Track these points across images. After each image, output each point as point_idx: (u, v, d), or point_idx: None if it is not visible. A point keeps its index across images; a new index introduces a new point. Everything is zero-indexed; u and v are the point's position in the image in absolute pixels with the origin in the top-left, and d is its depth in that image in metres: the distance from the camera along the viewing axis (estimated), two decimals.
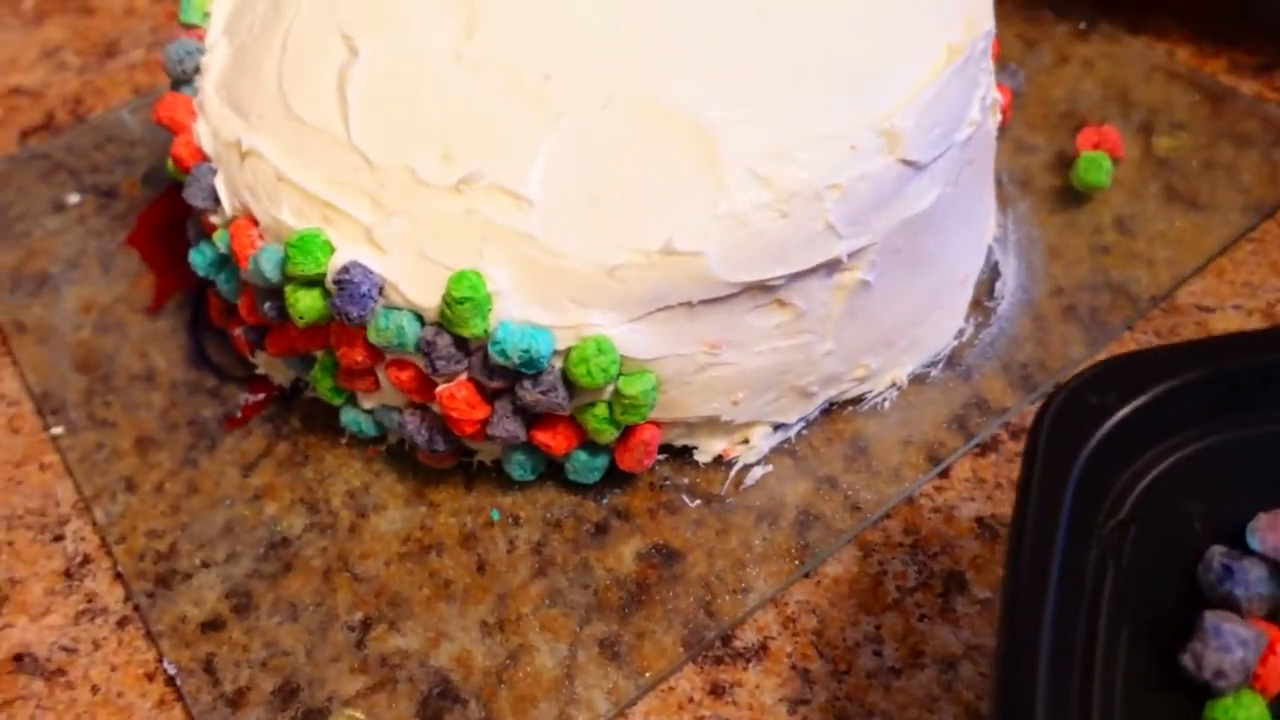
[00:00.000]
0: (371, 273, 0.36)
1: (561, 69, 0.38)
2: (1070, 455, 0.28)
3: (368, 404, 0.41)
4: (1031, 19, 0.56)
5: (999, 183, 0.49)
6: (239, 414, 0.44)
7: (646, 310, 0.36)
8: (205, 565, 0.40)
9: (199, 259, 0.43)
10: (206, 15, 0.46)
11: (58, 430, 0.45)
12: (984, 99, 0.41)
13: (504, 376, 0.36)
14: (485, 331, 0.35)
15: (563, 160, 0.36)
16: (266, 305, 0.39)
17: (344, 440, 0.43)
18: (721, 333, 0.37)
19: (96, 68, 0.62)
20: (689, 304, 0.36)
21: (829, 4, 0.39)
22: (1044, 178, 0.49)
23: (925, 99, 0.37)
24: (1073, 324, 0.44)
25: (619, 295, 0.35)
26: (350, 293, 0.36)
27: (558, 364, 0.36)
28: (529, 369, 0.35)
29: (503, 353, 0.35)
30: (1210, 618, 0.27)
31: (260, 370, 0.45)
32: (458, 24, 0.39)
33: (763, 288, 0.36)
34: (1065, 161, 0.49)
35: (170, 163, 0.43)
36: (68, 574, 0.41)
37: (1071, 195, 0.48)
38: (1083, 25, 0.56)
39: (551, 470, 0.41)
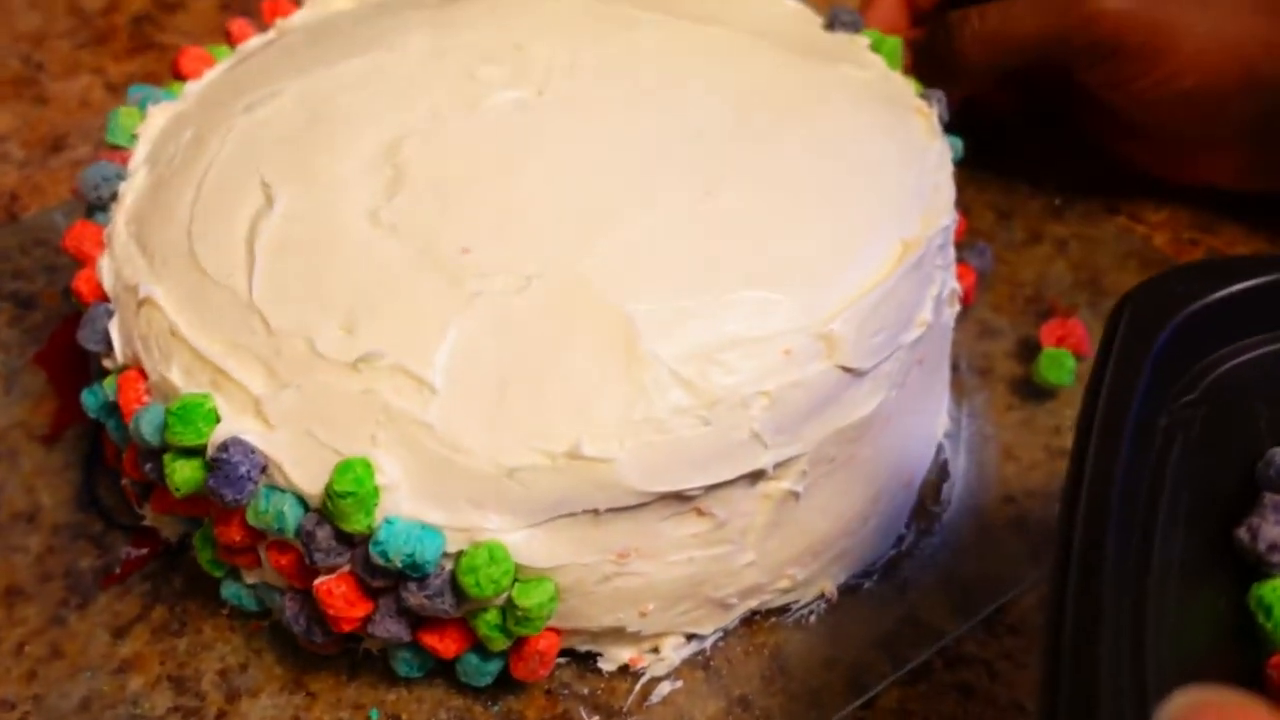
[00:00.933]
0: (253, 453, 0.33)
1: (482, 243, 0.35)
2: (1152, 330, 0.29)
3: (250, 579, 0.38)
4: (1006, 189, 0.54)
5: (956, 369, 0.46)
6: (118, 569, 0.41)
7: (549, 516, 0.33)
8: None
9: (90, 400, 0.40)
10: (134, 138, 0.44)
11: None
12: (939, 295, 0.39)
13: (387, 575, 0.33)
14: (369, 527, 0.32)
15: (472, 344, 0.33)
16: (148, 466, 0.36)
17: (225, 611, 0.40)
18: (630, 541, 0.34)
19: (39, 162, 0.60)
20: (595, 511, 0.33)
21: (777, 194, 0.37)
22: (1005, 365, 0.46)
23: (870, 301, 0.35)
24: (1021, 538, 0.41)
25: (519, 498, 0.32)
26: (226, 474, 0.33)
27: (448, 565, 0.33)
28: (413, 573, 0.32)
29: (384, 554, 0.32)
30: (1270, 497, 0.28)
31: (147, 522, 0.42)
32: (380, 183, 0.37)
33: (679, 497, 0.33)
34: (1030, 348, 0.47)
35: (71, 294, 0.40)
36: None
37: (1033, 388, 0.45)
38: (1058, 201, 0.54)
39: (441, 666, 0.37)
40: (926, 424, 0.42)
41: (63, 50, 0.67)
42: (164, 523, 0.41)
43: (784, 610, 0.39)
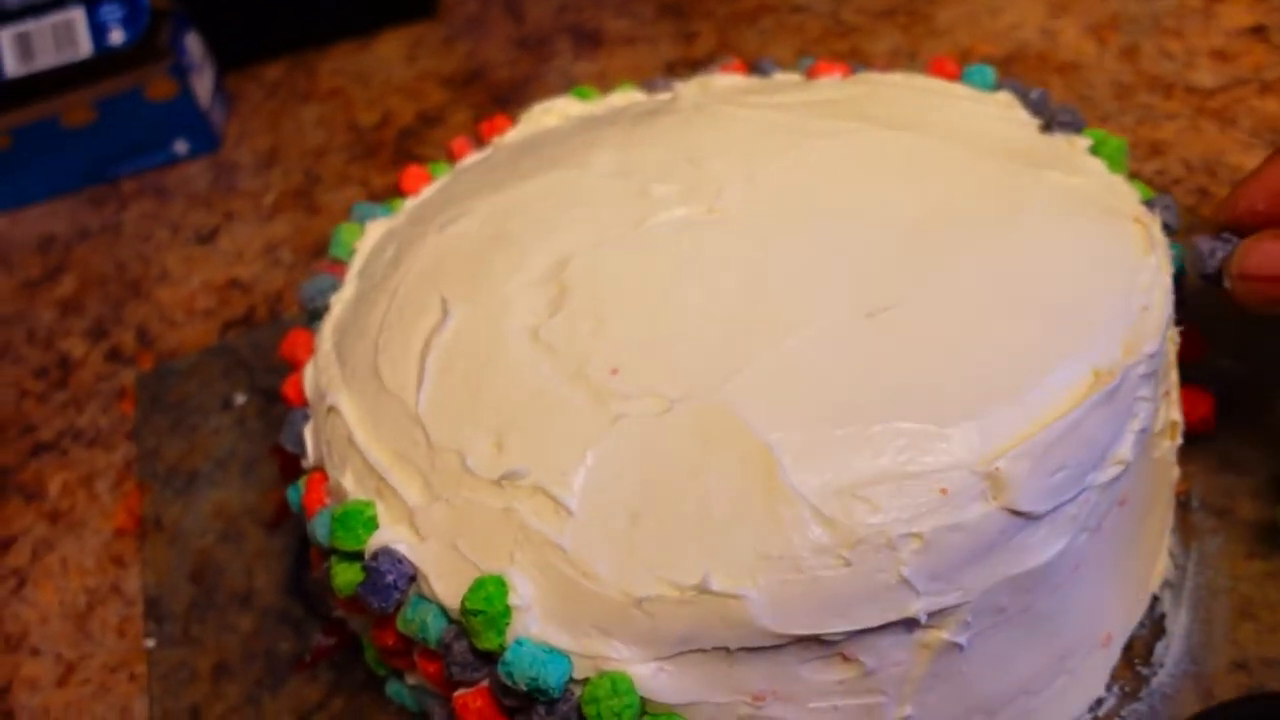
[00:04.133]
0: (401, 562, 0.34)
1: (630, 364, 0.35)
2: None
3: (411, 680, 0.39)
4: None
5: (1186, 508, 0.40)
6: (308, 657, 0.44)
7: (676, 650, 0.31)
8: None
9: (293, 495, 0.43)
10: (353, 252, 0.47)
11: (150, 643, 0.46)
12: (1144, 430, 0.34)
13: (518, 696, 0.33)
14: (501, 645, 0.32)
15: (610, 467, 0.33)
16: (325, 564, 0.39)
17: (393, 708, 0.41)
18: (767, 684, 0.32)
19: (303, 266, 0.66)
20: (727, 649, 0.31)
21: (948, 317, 0.34)
22: (1249, 507, 0.40)
23: (1048, 437, 0.31)
24: None
25: (646, 630, 0.31)
26: (375, 582, 0.34)
27: (577, 692, 0.32)
28: (539, 696, 0.32)
29: (510, 675, 0.32)
30: None
31: (338, 613, 0.44)
32: (544, 301, 0.38)
33: (819, 641, 0.31)
34: None
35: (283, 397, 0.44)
36: None
37: None
38: None
39: None
40: (1133, 572, 0.36)
41: (337, 164, 0.74)
42: (352, 615, 0.43)
43: None
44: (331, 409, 0.39)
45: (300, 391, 0.42)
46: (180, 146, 0.78)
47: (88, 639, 0.48)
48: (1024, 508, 0.31)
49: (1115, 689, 0.36)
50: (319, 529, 0.37)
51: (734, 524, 0.31)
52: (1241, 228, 0.37)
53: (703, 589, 0.31)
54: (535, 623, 0.32)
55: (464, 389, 0.37)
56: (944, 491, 0.31)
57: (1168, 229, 0.38)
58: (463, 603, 0.32)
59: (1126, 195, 0.40)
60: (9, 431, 0.60)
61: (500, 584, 0.32)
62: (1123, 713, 0.35)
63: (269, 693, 0.43)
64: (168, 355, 0.62)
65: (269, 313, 0.63)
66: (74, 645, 0.48)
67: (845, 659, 0.32)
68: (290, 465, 0.53)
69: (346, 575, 0.36)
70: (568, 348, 0.36)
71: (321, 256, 0.67)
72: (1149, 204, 0.39)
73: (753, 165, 0.41)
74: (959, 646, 0.32)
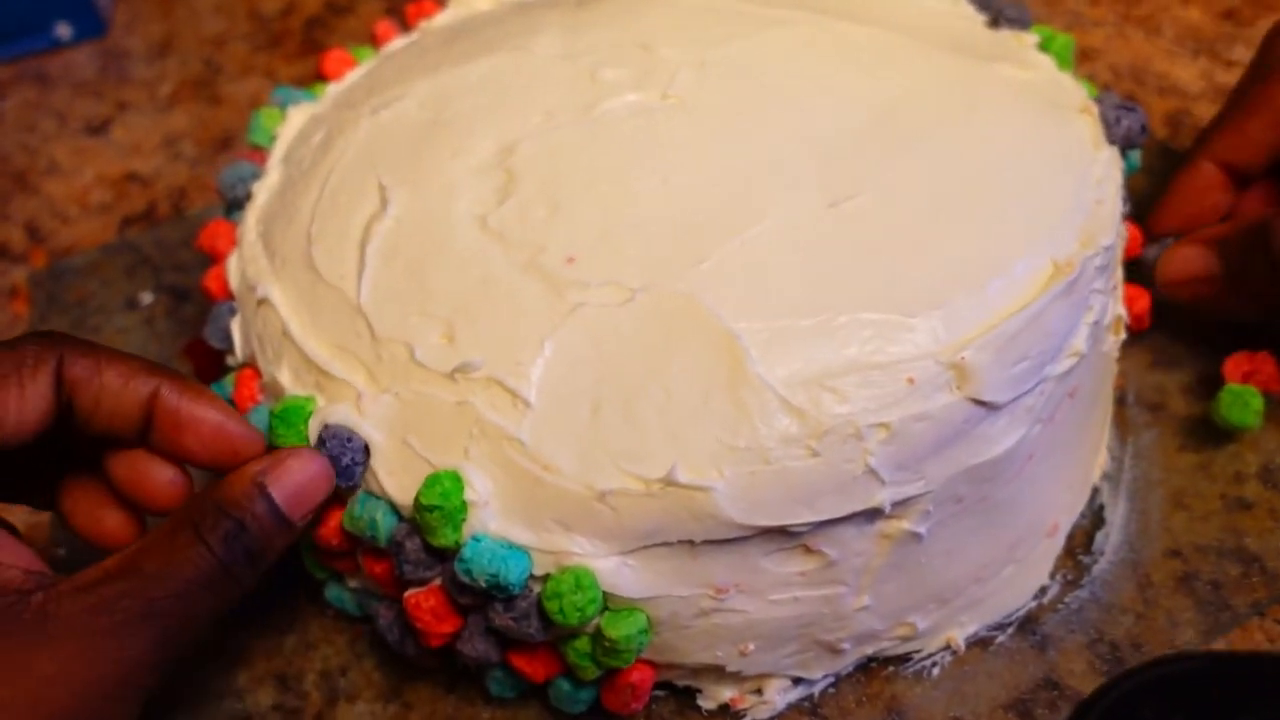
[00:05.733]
0: (352, 439, 0.32)
1: (588, 253, 0.33)
2: None
3: (352, 583, 0.37)
4: None
5: (1122, 403, 0.41)
6: None
7: (641, 544, 0.31)
8: None
9: (219, 392, 0.41)
10: (273, 139, 0.44)
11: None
12: (1097, 323, 0.34)
13: (474, 594, 0.32)
14: (457, 543, 0.31)
15: (570, 359, 0.32)
16: None
17: (330, 612, 0.39)
18: (730, 576, 0.31)
19: (208, 160, 0.62)
20: (691, 542, 0.31)
21: (910, 207, 0.34)
22: (1180, 403, 0.41)
23: (1011, 328, 0.31)
24: (1186, 598, 0.36)
25: (609, 523, 0.31)
26: (333, 465, 0.32)
27: (536, 588, 0.31)
28: (498, 593, 0.31)
29: (468, 572, 0.31)
30: None
31: None
32: (491, 187, 0.36)
33: (783, 532, 0.31)
34: (1210, 384, 0.41)
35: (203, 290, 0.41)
36: None
37: (1212, 430, 0.40)
38: None
39: (536, 688, 0.36)
40: (1079, 464, 0.37)
41: (240, 53, 0.70)
42: None
43: (904, 660, 0.35)
44: (263, 301, 0.37)
45: (224, 284, 0.40)
46: (63, 30, 0.72)
47: None
48: (987, 398, 0.31)
49: (1059, 577, 0.37)
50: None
51: (700, 415, 0.30)
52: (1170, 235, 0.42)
53: (669, 481, 0.30)
54: (493, 518, 0.31)
55: (409, 278, 0.35)
56: (910, 381, 0.31)
57: (1138, 133, 0.38)
58: (417, 498, 0.31)
59: (1074, 91, 0.39)
60: None
61: (456, 479, 0.31)
62: (1066, 600, 0.36)
63: None
64: (62, 253, 0.58)
65: (172, 208, 0.59)
66: None
67: (808, 550, 0.31)
68: (207, 364, 0.50)
69: None
70: (519, 236, 0.34)
71: (227, 149, 0.63)
72: (1099, 101, 0.39)
73: (705, 52, 0.39)
74: (918, 536, 0.32)
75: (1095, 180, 0.36)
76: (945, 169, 0.35)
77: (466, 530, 0.31)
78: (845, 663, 0.35)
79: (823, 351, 0.31)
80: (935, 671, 0.35)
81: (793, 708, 0.35)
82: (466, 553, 0.31)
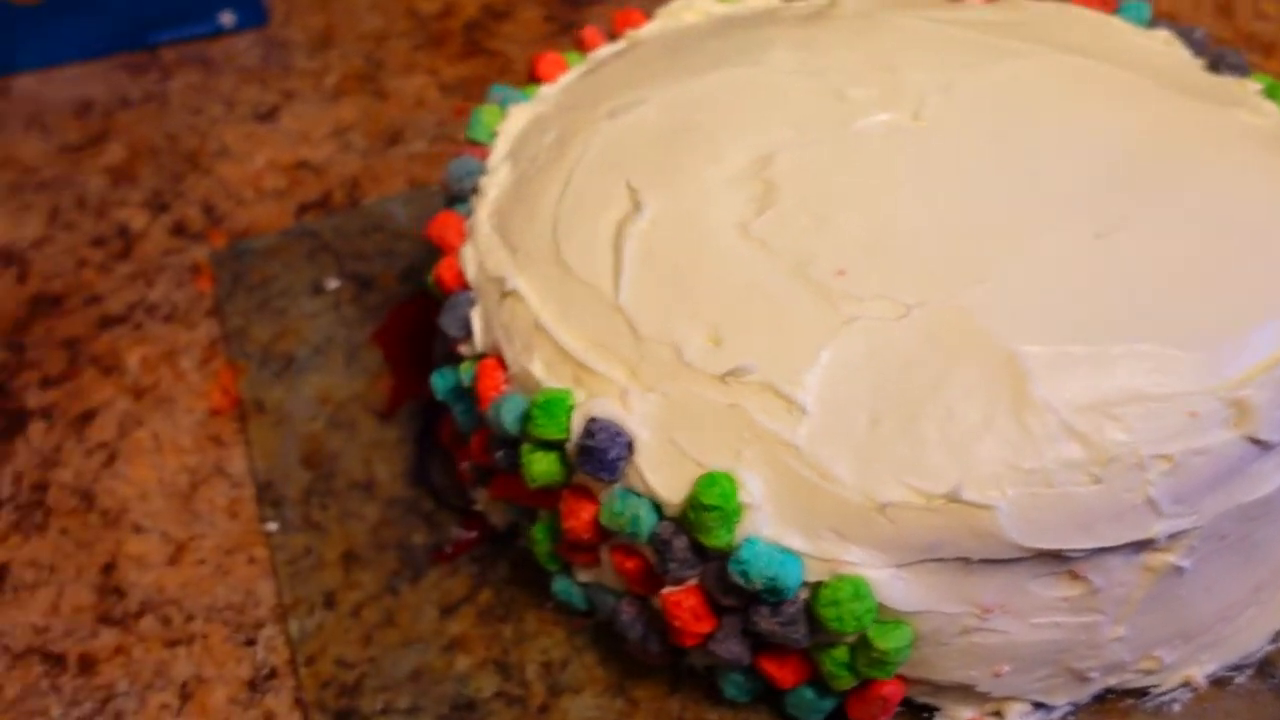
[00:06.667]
0: (621, 434, 0.33)
1: (858, 267, 0.34)
2: None
3: (583, 578, 0.38)
4: None
5: None
6: (449, 549, 0.42)
7: (916, 558, 0.31)
8: (386, 711, 0.38)
9: (440, 382, 0.42)
10: (494, 135, 0.45)
11: (272, 527, 0.44)
12: None
13: (740, 596, 0.32)
14: (729, 544, 0.32)
15: (845, 369, 0.32)
16: (500, 453, 0.37)
17: (549, 604, 0.40)
18: (997, 596, 0.32)
19: (379, 153, 0.63)
20: (966, 560, 0.31)
21: (1173, 244, 0.34)
22: None
23: None
24: None
25: (887, 536, 0.31)
26: (599, 456, 0.33)
27: (803, 594, 0.32)
28: (770, 597, 0.31)
29: (744, 574, 0.31)
30: None
31: (478, 507, 0.43)
32: (749, 197, 0.37)
33: (1055, 556, 0.31)
34: None
35: (431, 280, 0.42)
36: (252, 685, 0.40)
37: None
38: None
39: (769, 693, 0.36)
40: None
41: (401, 50, 0.71)
42: (495, 510, 0.42)
43: (1142, 694, 0.36)
44: (510, 293, 0.38)
45: (458, 275, 0.40)
46: (226, 18, 0.73)
47: (196, 519, 0.46)
48: (1264, 436, 0.31)
49: None
50: (505, 416, 0.36)
51: (983, 434, 0.31)
52: None
53: (953, 497, 0.30)
54: (766, 522, 0.32)
55: (670, 281, 0.35)
56: (1193, 415, 0.31)
57: None
58: (693, 497, 0.31)
59: None
60: (71, 300, 0.57)
61: (731, 481, 0.32)
62: None
63: (408, 583, 0.42)
64: (239, 234, 0.59)
65: (347, 198, 0.60)
66: (182, 525, 0.45)
67: (1075, 576, 0.32)
68: (396, 353, 0.51)
69: (543, 465, 0.35)
70: (784, 246, 0.35)
71: (396, 143, 0.64)
72: None
73: (950, 77, 0.40)
74: (1181, 570, 0.32)
75: None
76: (1205, 208, 0.35)
77: (739, 533, 0.32)
78: (1089, 691, 0.35)
79: (1103, 379, 0.31)
80: (1175, 708, 0.35)
81: None
82: (743, 554, 0.31)
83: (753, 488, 0.32)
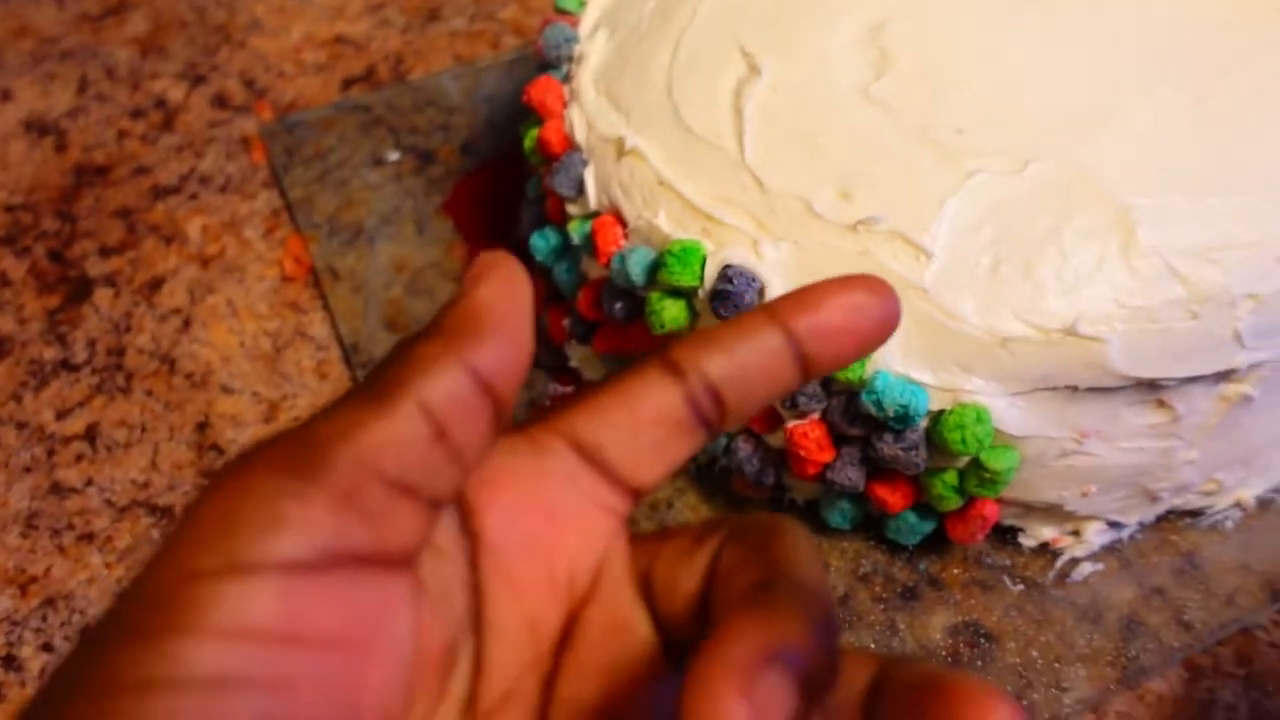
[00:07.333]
0: (755, 280, 0.35)
1: (976, 125, 0.37)
2: None
3: None
4: None
5: None
6: (546, 403, 0.45)
7: (1030, 387, 0.34)
8: None
9: (541, 243, 0.43)
10: (582, 4, 0.46)
11: None
12: None
13: (865, 425, 0.35)
14: (860, 378, 0.35)
15: (968, 219, 0.35)
16: (617, 305, 0.39)
17: None
18: (1094, 423, 0.35)
19: (419, 29, 0.63)
20: (1074, 388, 0.34)
21: (1262, 106, 0.37)
22: None
23: None
24: None
25: (1007, 367, 0.34)
26: (734, 299, 0.35)
27: (924, 423, 0.35)
28: (898, 424, 0.34)
29: (878, 403, 0.34)
30: None
31: (572, 363, 0.45)
32: (867, 62, 0.39)
33: (1151, 385, 0.35)
34: None
35: (530, 144, 0.43)
36: None
37: None
38: None
39: (866, 522, 0.40)
40: None
41: None
42: (590, 364, 0.44)
43: (1198, 514, 0.40)
44: (631, 152, 0.39)
45: (564, 138, 0.42)
46: None
47: (285, 380, 0.47)
48: None
49: None
50: (633, 267, 0.38)
51: (1095, 275, 0.34)
52: None
53: (1070, 331, 0.34)
54: (895, 357, 0.35)
55: (795, 141, 0.37)
56: (1278, 260, 0.34)
57: None
58: None
59: None
60: (118, 170, 0.56)
61: None
62: None
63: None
64: (285, 107, 0.59)
65: (391, 73, 0.61)
66: (272, 385, 0.47)
67: (1162, 404, 0.35)
68: (466, 222, 0.52)
69: (673, 311, 0.37)
70: (905, 107, 0.37)
71: (435, 20, 0.64)
72: None
73: None
74: (1249, 400, 0.36)
75: None
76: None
77: (870, 367, 0.35)
78: (1156, 510, 0.39)
79: (1203, 227, 0.34)
80: (1228, 524, 0.40)
81: (1102, 550, 0.39)
82: (878, 385, 0.34)
83: None
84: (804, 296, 0.22)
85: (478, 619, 0.21)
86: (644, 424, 0.21)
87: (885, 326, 0.22)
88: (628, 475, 0.21)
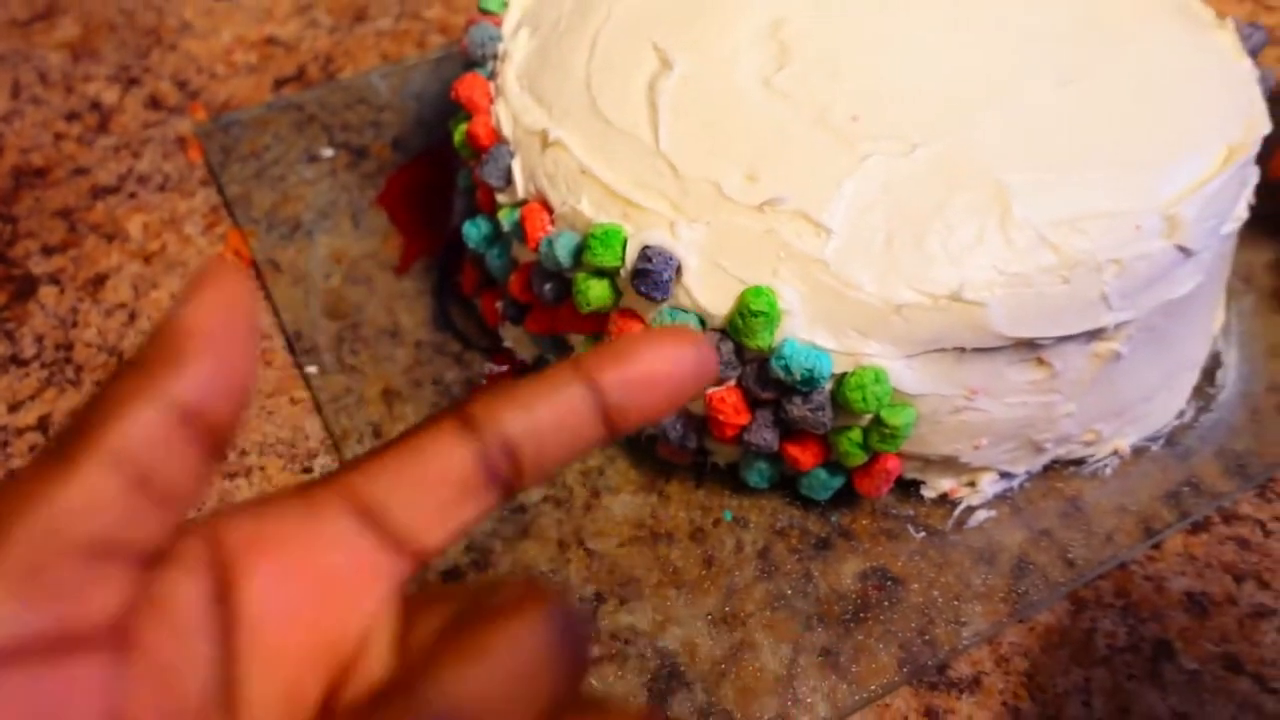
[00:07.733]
0: (672, 258, 0.38)
1: (870, 112, 0.40)
2: None
3: None
4: None
5: None
6: (484, 383, 0.47)
7: (922, 349, 0.38)
8: None
9: (473, 232, 0.46)
10: (504, 4, 0.49)
11: (312, 369, 0.48)
12: (1249, 197, 0.43)
13: (775, 389, 0.39)
14: (769, 346, 0.38)
15: (863, 198, 0.38)
16: (546, 287, 0.42)
17: None
18: (981, 381, 0.39)
19: (346, 29, 0.65)
20: (961, 349, 0.38)
21: (1117, 92, 0.41)
22: (1264, 278, 0.51)
23: (1208, 191, 0.39)
24: None
25: (900, 331, 0.38)
26: (654, 277, 0.38)
27: (828, 386, 0.38)
28: (805, 386, 0.38)
29: (786, 368, 0.37)
30: None
31: (506, 344, 0.48)
32: (769, 56, 0.42)
33: (1030, 344, 0.38)
34: None
35: (460, 139, 0.46)
36: None
37: None
38: None
39: (782, 481, 0.43)
40: (1213, 314, 0.46)
41: None
42: (523, 344, 0.47)
43: (1080, 463, 0.44)
44: (554, 143, 0.42)
45: (492, 131, 0.45)
46: None
47: None
48: (1188, 244, 0.39)
49: (1193, 403, 0.46)
50: (559, 251, 0.40)
51: (976, 246, 0.38)
52: None
53: (955, 298, 0.37)
54: (800, 326, 0.38)
55: (704, 129, 0.41)
56: (1138, 228, 0.38)
57: (1251, 50, 0.47)
58: (742, 306, 0.37)
59: (1205, 9, 0.47)
60: (56, 172, 0.58)
61: (771, 292, 0.38)
62: (1199, 420, 0.45)
63: None
64: (219, 108, 0.61)
65: (322, 73, 0.63)
66: None
67: (1041, 363, 0.39)
68: (400, 214, 0.55)
69: (598, 290, 0.40)
70: (804, 96, 0.41)
71: (362, 21, 0.66)
72: (1249, 26, 0.47)
73: None
74: (1119, 356, 0.40)
75: (1243, 82, 0.44)
76: (1138, 65, 0.43)
77: (778, 335, 0.38)
78: (1042, 460, 0.43)
79: (1072, 200, 0.38)
80: (1107, 471, 0.44)
81: (996, 498, 0.43)
82: (786, 351, 0.37)
83: (788, 297, 0.38)
84: (613, 349, 0.21)
85: (228, 691, 0.19)
86: (432, 484, 0.20)
87: (698, 378, 0.21)
88: (411, 537, 0.20)
